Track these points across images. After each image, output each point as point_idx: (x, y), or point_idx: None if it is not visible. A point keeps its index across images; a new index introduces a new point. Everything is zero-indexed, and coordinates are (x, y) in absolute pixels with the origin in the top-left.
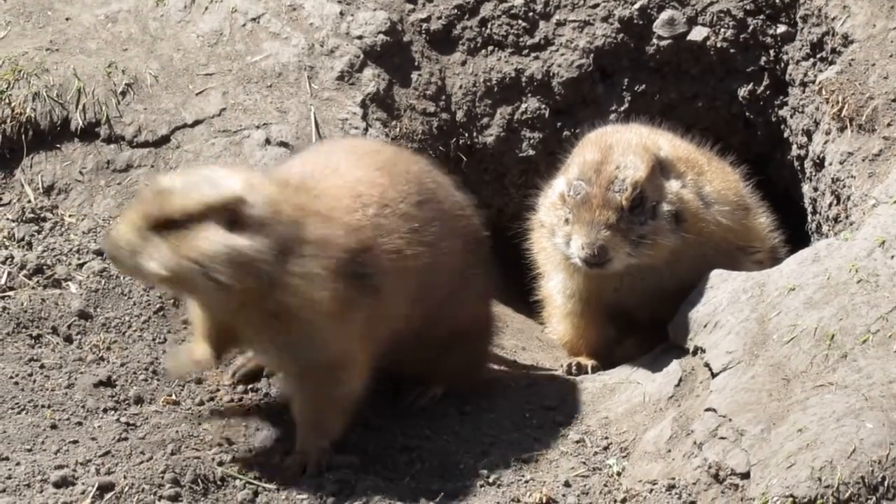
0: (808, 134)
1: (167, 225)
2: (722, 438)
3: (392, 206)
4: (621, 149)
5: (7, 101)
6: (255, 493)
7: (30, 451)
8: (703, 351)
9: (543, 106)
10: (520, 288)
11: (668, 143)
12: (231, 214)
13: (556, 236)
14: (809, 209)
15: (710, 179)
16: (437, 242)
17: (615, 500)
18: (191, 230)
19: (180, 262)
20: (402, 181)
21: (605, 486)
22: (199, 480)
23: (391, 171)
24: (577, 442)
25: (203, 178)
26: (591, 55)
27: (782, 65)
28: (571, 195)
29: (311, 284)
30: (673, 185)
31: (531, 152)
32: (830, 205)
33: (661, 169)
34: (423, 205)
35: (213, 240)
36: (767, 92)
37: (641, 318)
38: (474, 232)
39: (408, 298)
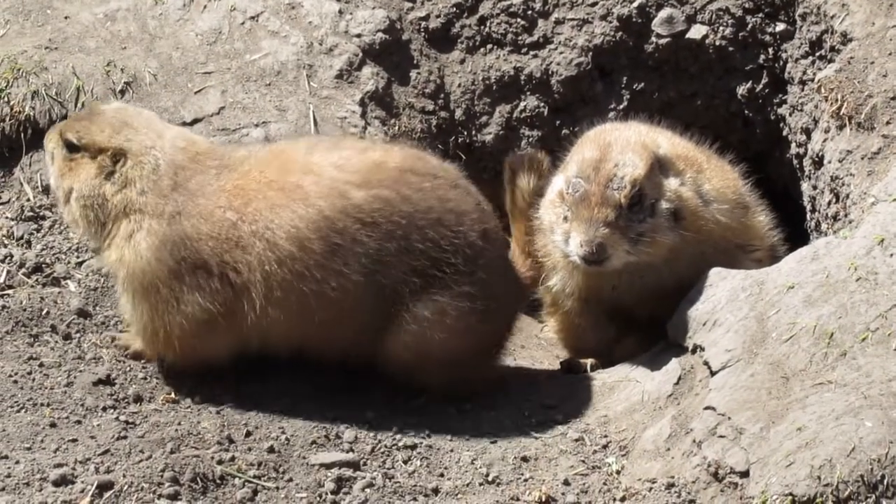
0: (807, 132)
1: None
2: (721, 437)
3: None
4: (620, 146)
5: (6, 99)
6: (255, 492)
7: (29, 449)
8: (703, 349)
9: (542, 104)
10: None
11: (667, 141)
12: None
13: (555, 234)
14: (808, 207)
15: (709, 177)
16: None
17: (614, 499)
18: None
19: None
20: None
21: (605, 484)
22: (198, 479)
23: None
24: (577, 440)
25: None
26: (590, 53)
27: (781, 63)
28: (570, 193)
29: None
30: (672, 183)
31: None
32: (829, 203)
33: (660, 167)
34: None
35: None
36: (766, 90)
37: (640, 317)
38: None
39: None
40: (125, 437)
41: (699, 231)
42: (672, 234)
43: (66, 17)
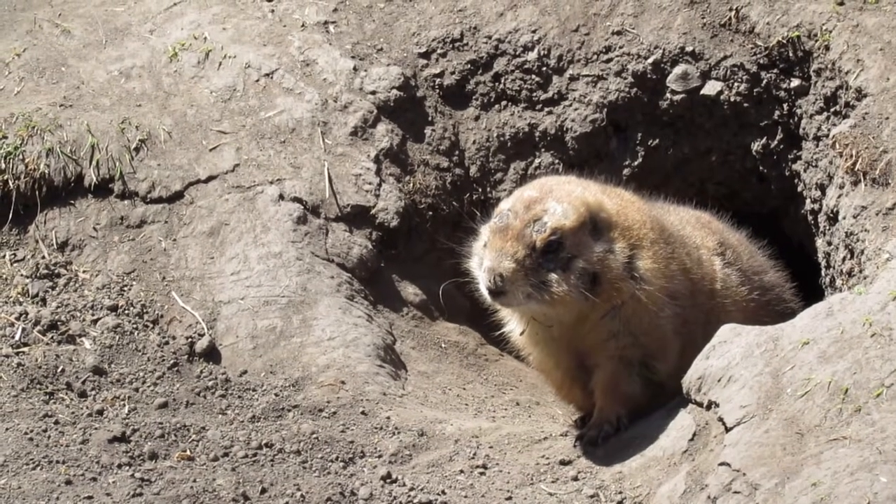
0: (822, 188)
1: None
2: (736, 493)
3: None
4: (558, 195)
5: (21, 156)
6: None
7: None
8: (717, 405)
9: (557, 160)
10: None
11: (617, 208)
12: None
13: (474, 259)
14: (823, 263)
15: (650, 256)
16: None
17: None
18: None
19: None
20: None
21: None
22: None
23: None
24: (592, 496)
25: None
26: (605, 110)
27: (796, 119)
28: (496, 222)
29: None
30: (599, 248)
31: None
32: (844, 259)
33: (593, 228)
34: None
35: None
36: (781, 146)
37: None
38: None
39: None
40: (140, 495)
41: (610, 301)
42: (577, 293)
43: (80, 75)
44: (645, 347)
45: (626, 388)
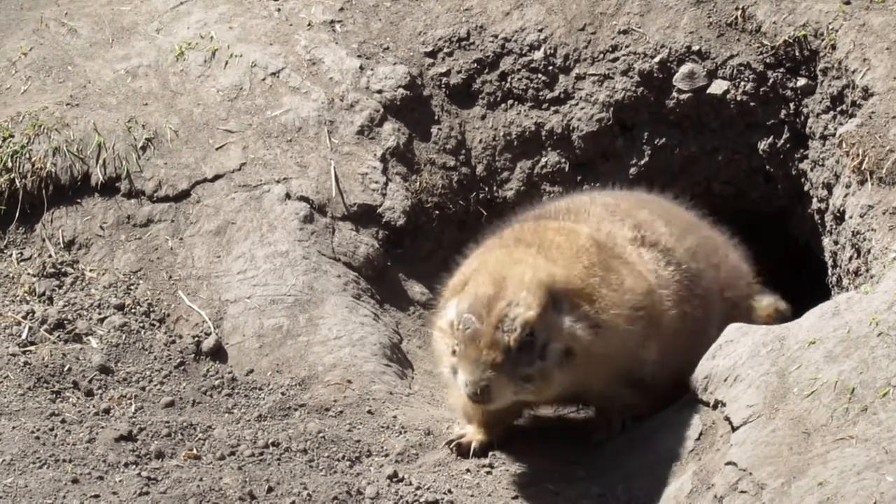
0: (829, 187)
1: None
2: (742, 492)
3: None
4: (514, 284)
5: (27, 155)
6: None
7: None
8: (724, 404)
9: (563, 160)
10: None
11: (565, 270)
12: None
13: (443, 364)
14: (830, 262)
15: (604, 307)
16: None
17: None
18: None
19: None
20: None
21: None
22: None
23: None
24: (599, 496)
25: None
26: (611, 109)
27: (802, 118)
28: (461, 328)
29: None
30: (566, 322)
31: None
32: (851, 258)
33: (555, 303)
34: None
35: None
36: (787, 145)
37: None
38: None
39: None
40: (147, 493)
41: (589, 367)
42: (560, 374)
43: (86, 74)
44: (621, 371)
45: (622, 400)
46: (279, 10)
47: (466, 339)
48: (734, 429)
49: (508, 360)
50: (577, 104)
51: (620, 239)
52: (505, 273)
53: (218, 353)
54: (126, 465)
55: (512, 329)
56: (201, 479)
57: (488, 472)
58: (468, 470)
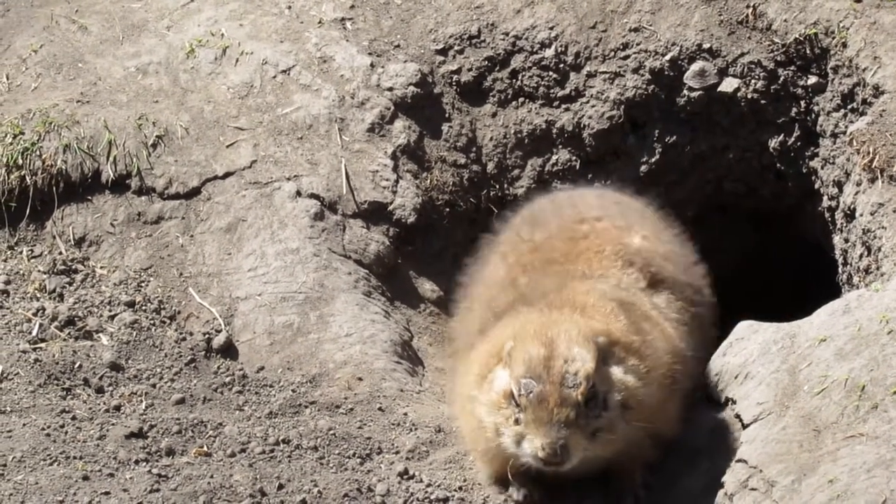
0: (839, 185)
1: None
2: (753, 489)
3: None
4: (565, 341)
5: (38, 153)
6: None
7: (62, 502)
8: (734, 402)
9: (574, 157)
10: None
11: (606, 328)
12: None
13: (503, 436)
14: (840, 260)
15: (644, 356)
16: None
17: None
18: None
19: None
20: None
21: None
22: None
23: None
24: (609, 487)
25: None
26: (622, 106)
27: (813, 116)
28: (523, 393)
29: None
30: (617, 373)
31: None
32: (861, 256)
33: (604, 357)
34: None
35: None
36: (798, 143)
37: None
38: None
39: None
40: (158, 490)
41: (641, 419)
42: (623, 425)
43: (97, 71)
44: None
45: (643, 454)
46: (290, 7)
47: (533, 403)
48: (745, 426)
49: (579, 415)
50: (587, 102)
51: (636, 291)
52: (550, 334)
53: (228, 351)
54: (136, 462)
55: (577, 384)
56: (212, 476)
57: None
58: (478, 467)
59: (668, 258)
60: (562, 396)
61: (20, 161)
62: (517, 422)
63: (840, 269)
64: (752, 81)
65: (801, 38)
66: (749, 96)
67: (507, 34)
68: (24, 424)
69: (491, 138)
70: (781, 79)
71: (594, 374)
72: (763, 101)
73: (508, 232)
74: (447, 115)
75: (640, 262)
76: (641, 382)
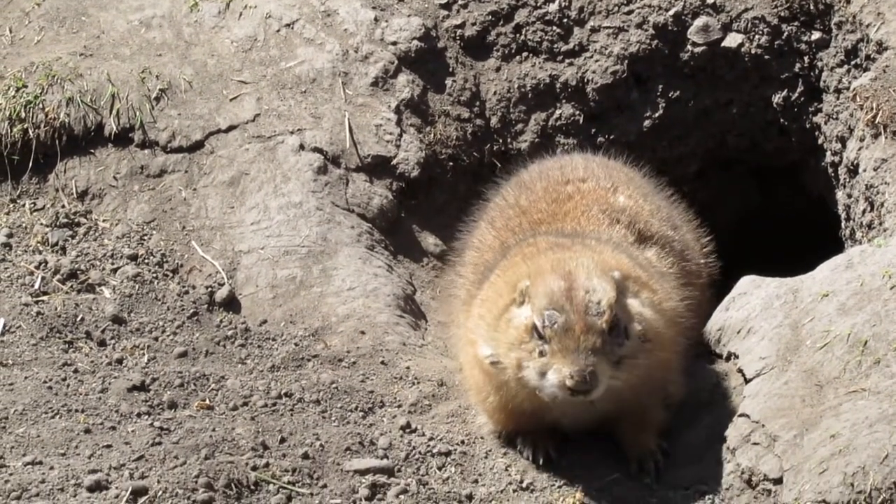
0: (843, 140)
1: None
2: (755, 444)
3: None
4: (584, 274)
5: (41, 106)
6: (289, 498)
7: (63, 455)
8: (737, 356)
9: (578, 112)
10: None
11: (615, 262)
12: None
13: (526, 370)
14: (843, 216)
15: (655, 289)
16: None
17: None
18: None
19: None
20: None
21: (640, 491)
22: (232, 485)
23: None
24: (612, 447)
25: None
26: (626, 61)
27: (817, 71)
28: (548, 325)
29: None
30: (634, 305)
31: None
32: (864, 211)
33: (621, 290)
34: None
35: None
36: (802, 98)
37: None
38: None
39: None
40: (160, 443)
41: (660, 353)
42: (645, 355)
43: (100, 24)
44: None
45: (656, 415)
46: None
47: (559, 333)
48: (747, 381)
49: (605, 342)
50: (591, 57)
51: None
52: (568, 267)
53: (231, 304)
54: (139, 415)
55: (601, 312)
56: (214, 430)
57: None
58: (480, 422)
59: (654, 215)
60: (587, 324)
61: (23, 114)
62: (541, 354)
63: (843, 225)
64: (756, 37)
65: None
66: (753, 51)
67: None
68: (26, 377)
69: (494, 93)
70: (785, 34)
71: (615, 304)
72: (767, 57)
73: (496, 198)
74: (451, 70)
75: (625, 220)
76: (658, 315)
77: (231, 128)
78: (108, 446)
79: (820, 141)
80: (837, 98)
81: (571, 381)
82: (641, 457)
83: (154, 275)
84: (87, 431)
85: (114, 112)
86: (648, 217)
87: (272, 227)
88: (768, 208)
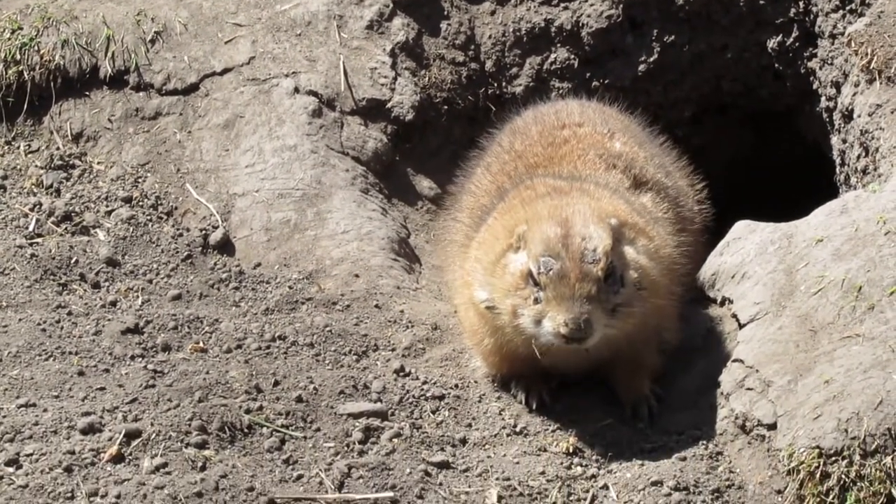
0: (837, 86)
1: None
2: (749, 389)
3: None
4: (580, 221)
5: (36, 48)
6: (283, 441)
7: (57, 397)
8: (731, 302)
9: (572, 56)
10: None
11: (613, 208)
12: None
13: (522, 317)
14: (838, 161)
15: (651, 236)
16: None
17: (642, 451)
18: None
19: None
20: None
21: (634, 435)
22: (226, 428)
23: None
24: (606, 393)
25: None
26: (621, 5)
27: (811, 16)
28: (543, 272)
29: None
30: (630, 252)
31: None
32: (859, 157)
33: (618, 238)
34: None
35: None
36: (797, 44)
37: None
38: None
39: None
40: (153, 386)
41: (655, 300)
42: (640, 303)
43: None
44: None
45: (650, 360)
46: None
47: (554, 280)
48: (741, 326)
49: (600, 291)
50: (586, 0)
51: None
52: (564, 214)
53: (225, 247)
54: (132, 357)
55: (596, 259)
56: (207, 373)
57: None
58: (475, 367)
59: (649, 162)
60: (583, 272)
61: (18, 56)
62: (536, 301)
63: (837, 170)
64: None
65: None
66: None
67: None
68: (19, 319)
69: (490, 36)
70: None
71: (611, 251)
72: (762, 1)
73: (492, 145)
74: (446, 13)
75: (622, 165)
76: (653, 262)
77: (226, 70)
78: (102, 389)
79: (815, 86)
80: (832, 43)
81: (566, 329)
82: (636, 402)
83: (148, 217)
84: (81, 374)
85: (109, 54)
86: (644, 163)
87: (267, 169)
88: (763, 153)
